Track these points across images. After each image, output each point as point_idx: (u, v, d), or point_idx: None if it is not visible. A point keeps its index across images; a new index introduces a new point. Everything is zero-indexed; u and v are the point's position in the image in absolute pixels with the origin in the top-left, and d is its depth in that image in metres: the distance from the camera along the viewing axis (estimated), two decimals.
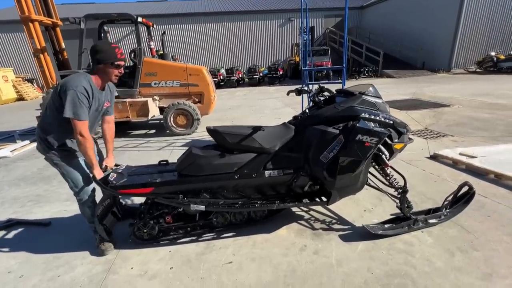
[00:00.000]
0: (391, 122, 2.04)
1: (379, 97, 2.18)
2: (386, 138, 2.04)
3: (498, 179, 2.94)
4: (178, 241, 2.21)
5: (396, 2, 17.58)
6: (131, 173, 2.16)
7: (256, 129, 2.13)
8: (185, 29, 18.51)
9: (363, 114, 1.99)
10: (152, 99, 5.83)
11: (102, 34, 6.30)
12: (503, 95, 7.59)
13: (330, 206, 2.61)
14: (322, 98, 2.29)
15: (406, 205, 2.17)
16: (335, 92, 2.34)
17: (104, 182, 1.96)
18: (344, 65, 4.50)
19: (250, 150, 2.10)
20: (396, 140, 2.11)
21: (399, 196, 2.18)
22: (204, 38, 18.74)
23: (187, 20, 18.36)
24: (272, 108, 8.26)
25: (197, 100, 6.08)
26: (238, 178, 2.07)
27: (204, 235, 2.26)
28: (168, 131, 5.87)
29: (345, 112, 2.04)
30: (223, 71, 16.33)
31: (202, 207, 2.04)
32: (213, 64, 18.74)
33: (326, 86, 2.45)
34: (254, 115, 7.47)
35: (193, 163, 2.03)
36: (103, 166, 2.06)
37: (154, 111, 5.90)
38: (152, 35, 6.71)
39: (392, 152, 2.14)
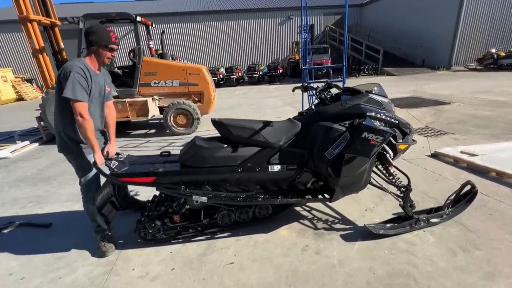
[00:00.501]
0: (397, 122, 2.04)
1: (385, 97, 2.18)
2: (391, 138, 2.04)
3: (499, 177, 2.93)
4: (180, 241, 2.20)
5: None
6: (133, 162, 2.16)
7: (266, 123, 2.12)
8: (185, 28, 18.46)
9: (369, 112, 1.99)
10: (152, 98, 5.81)
11: None
12: (504, 92, 7.56)
13: (331, 205, 2.61)
14: (328, 95, 2.28)
15: (409, 204, 2.17)
16: (341, 89, 2.33)
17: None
18: (344, 64, 4.48)
19: (255, 144, 2.09)
20: (401, 141, 2.11)
21: (402, 195, 2.18)
22: (203, 37, 18.68)
23: (186, 19, 18.30)
24: (272, 107, 8.24)
25: (197, 99, 6.06)
26: (241, 172, 2.06)
27: (206, 235, 2.26)
28: (168, 131, 5.85)
29: (351, 109, 2.04)
30: (222, 70, 16.29)
31: (204, 199, 2.03)
32: (212, 63, 18.70)
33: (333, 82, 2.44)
34: (254, 114, 7.46)
35: (196, 154, 2.02)
36: (105, 153, 2.03)
37: (154, 111, 5.88)
38: (151, 35, 6.68)
39: (396, 152, 2.14)
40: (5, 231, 2.54)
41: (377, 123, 1.96)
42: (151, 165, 2.08)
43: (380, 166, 2.31)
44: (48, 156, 4.90)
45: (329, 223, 2.37)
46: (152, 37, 6.66)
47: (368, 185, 2.28)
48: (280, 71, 16.06)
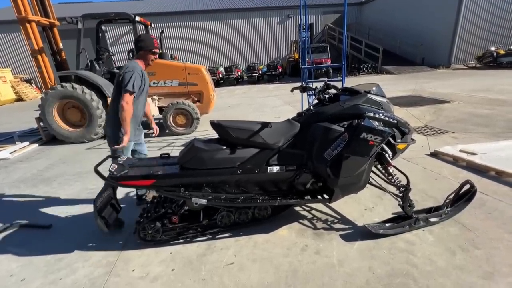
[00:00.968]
0: (395, 122, 2.05)
1: (384, 97, 2.18)
2: (390, 138, 2.04)
3: (499, 176, 2.93)
4: (180, 242, 2.21)
5: None
6: (132, 165, 2.16)
7: (264, 125, 2.12)
8: (184, 28, 18.42)
9: (368, 112, 1.99)
10: (151, 98, 5.81)
11: (100, 34, 6.27)
12: (503, 91, 7.56)
13: (331, 205, 2.62)
14: (327, 96, 2.28)
15: (408, 204, 2.17)
16: (340, 90, 2.33)
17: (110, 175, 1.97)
18: (343, 63, 4.48)
19: (253, 145, 2.09)
20: (399, 140, 2.11)
21: (401, 194, 2.18)
22: (202, 37, 18.65)
23: (185, 18, 18.26)
24: (272, 106, 8.23)
25: (196, 99, 6.06)
26: (240, 173, 2.07)
27: (206, 236, 2.26)
28: (167, 131, 5.85)
29: (350, 110, 2.04)
30: (222, 69, 16.27)
31: (203, 201, 2.04)
32: (212, 63, 18.68)
33: (331, 83, 2.44)
34: (254, 113, 7.46)
35: (195, 157, 2.02)
36: (154, 129, 2.84)
37: (153, 111, 5.87)
38: (151, 34, 6.67)
39: (395, 152, 2.14)
40: (6, 232, 2.55)
41: (375, 123, 1.96)
42: (150, 167, 2.09)
43: (379, 166, 2.31)
44: (48, 156, 4.90)
45: (329, 223, 2.37)
46: None
47: (368, 185, 2.29)
48: (280, 70, 16.04)
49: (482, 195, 2.56)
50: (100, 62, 6.01)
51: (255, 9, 18.85)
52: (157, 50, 2.36)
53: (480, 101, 6.59)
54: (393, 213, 2.41)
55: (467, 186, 2.35)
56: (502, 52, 12.87)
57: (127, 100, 2.19)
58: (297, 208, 2.62)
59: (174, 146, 5.03)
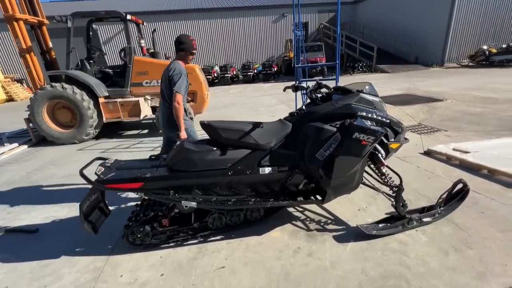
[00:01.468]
0: (388, 121, 2.02)
1: (376, 96, 2.15)
2: (383, 137, 2.02)
3: (491, 175, 2.94)
4: (170, 246, 2.16)
5: None
6: (120, 167, 2.11)
7: (255, 125, 2.08)
8: (178, 27, 18.23)
9: (360, 112, 1.96)
10: (144, 98, 5.73)
11: (91, 33, 6.16)
12: (495, 89, 7.64)
13: (324, 205, 2.59)
14: (319, 95, 2.25)
15: (401, 204, 2.15)
16: (332, 89, 2.30)
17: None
18: (337, 62, 4.45)
19: (245, 146, 2.05)
20: (392, 140, 2.09)
21: (394, 194, 2.16)
22: (197, 35, 18.48)
23: (180, 17, 18.08)
24: (267, 106, 8.20)
25: (190, 98, 5.98)
26: (231, 175, 2.03)
27: (197, 239, 2.21)
28: (161, 131, 5.77)
29: (342, 109, 2.01)
30: (217, 68, 16.15)
31: (193, 204, 1.99)
32: (207, 62, 18.54)
33: (323, 82, 2.41)
34: (248, 112, 7.41)
35: (185, 158, 1.98)
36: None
37: (146, 111, 5.80)
38: (143, 33, 6.57)
39: (388, 152, 2.12)
40: None
41: (368, 123, 1.94)
42: (139, 170, 2.03)
43: (372, 166, 2.29)
44: (37, 158, 4.80)
45: (322, 223, 2.35)
46: (143, 36, 6.55)
47: (361, 185, 2.27)
48: (275, 69, 16.00)
49: (474, 194, 2.56)
50: (91, 61, 5.90)
51: (250, 7, 18.76)
52: (194, 51, 2.56)
53: (472, 100, 6.64)
54: (386, 213, 2.39)
55: (460, 185, 2.35)
56: (494, 50, 13.01)
57: (179, 101, 2.39)
58: (290, 209, 2.59)
59: None
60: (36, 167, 4.33)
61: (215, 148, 2.04)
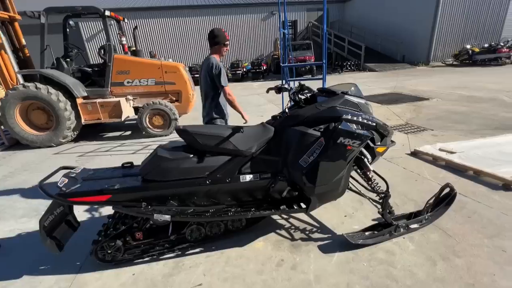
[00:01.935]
0: (374, 124, 1.93)
1: (362, 97, 2.05)
2: (369, 141, 1.93)
3: (477, 176, 2.92)
4: (145, 260, 2.00)
5: None
6: (87, 177, 1.92)
7: (235, 130, 1.94)
8: (163, 24, 17.76)
9: (345, 115, 1.86)
10: (126, 99, 5.47)
11: (68, 30, 5.83)
12: (479, 88, 7.77)
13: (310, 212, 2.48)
14: (302, 97, 2.13)
15: (388, 211, 2.07)
16: (316, 91, 2.19)
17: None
18: (324, 61, 4.36)
19: (224, 153, 1.92)
20: (379, 143, 2.00)
21: (381, 201, 2.08)
22: (183, 33, 18.10)
23: (166, 14, 17.62)
24: (256, 105, 8.06)
25: (174, 98, 5.78)
26: (210, 184, 1.89)
27: (174, 252, 2.07)
28: (144, 133, 5.55)
29: (326, 113, 1.90)
30: None
31: (167, 217, 1.83)
32: (194, 60, 18.19)
33: (307, 83, 2.30)
34: (236, 112, 7.24)
35: (158, 167, 1.82)
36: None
37: (128, 112, 5.55)
38: (124, 30, 6.29)
39: (374, 156, 2.03)
40: None
41: (353, 127, 1.84)
42: (108, 180, 1.86)
43: (358, 171, 2.20)
44: (9, 163, 4.49)
45: (307, 232, 2.24)
46: (124, 33, 6.28)
47: (347, 190, 2.17)
48: (264, 67, 15.87)
49: (461, 197, 2.52)
50: (68, 59, 5.59)
51: (238, 5, 18.49)
52: (228, 43, 2.59)
53: (458, 98, 6.72)
54: (373, 219, 2.32)
55: (447, 190, 2.29)
56: (476, 50, 13.32)
57: (229, 92, 2.47)
58: (275, 216, 2.48)
59: (150, 149, 4.75)
60: (6, 173, 4.05)
61: (191, 155, 1.89)
